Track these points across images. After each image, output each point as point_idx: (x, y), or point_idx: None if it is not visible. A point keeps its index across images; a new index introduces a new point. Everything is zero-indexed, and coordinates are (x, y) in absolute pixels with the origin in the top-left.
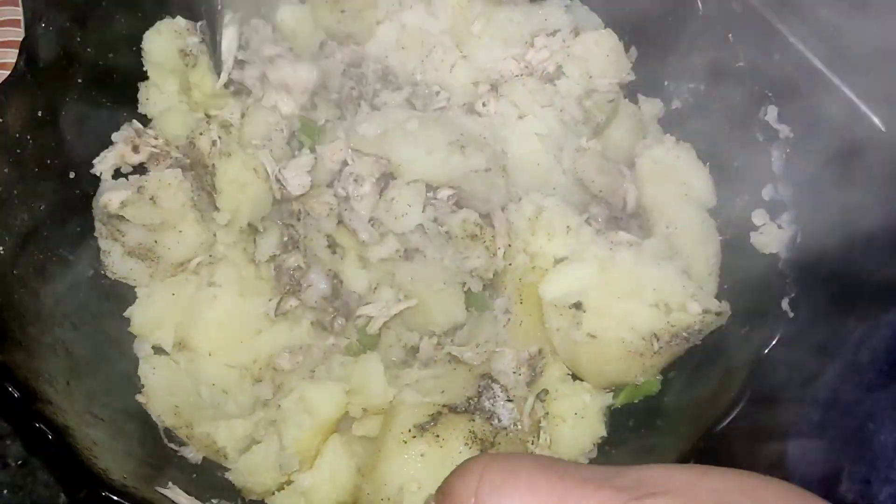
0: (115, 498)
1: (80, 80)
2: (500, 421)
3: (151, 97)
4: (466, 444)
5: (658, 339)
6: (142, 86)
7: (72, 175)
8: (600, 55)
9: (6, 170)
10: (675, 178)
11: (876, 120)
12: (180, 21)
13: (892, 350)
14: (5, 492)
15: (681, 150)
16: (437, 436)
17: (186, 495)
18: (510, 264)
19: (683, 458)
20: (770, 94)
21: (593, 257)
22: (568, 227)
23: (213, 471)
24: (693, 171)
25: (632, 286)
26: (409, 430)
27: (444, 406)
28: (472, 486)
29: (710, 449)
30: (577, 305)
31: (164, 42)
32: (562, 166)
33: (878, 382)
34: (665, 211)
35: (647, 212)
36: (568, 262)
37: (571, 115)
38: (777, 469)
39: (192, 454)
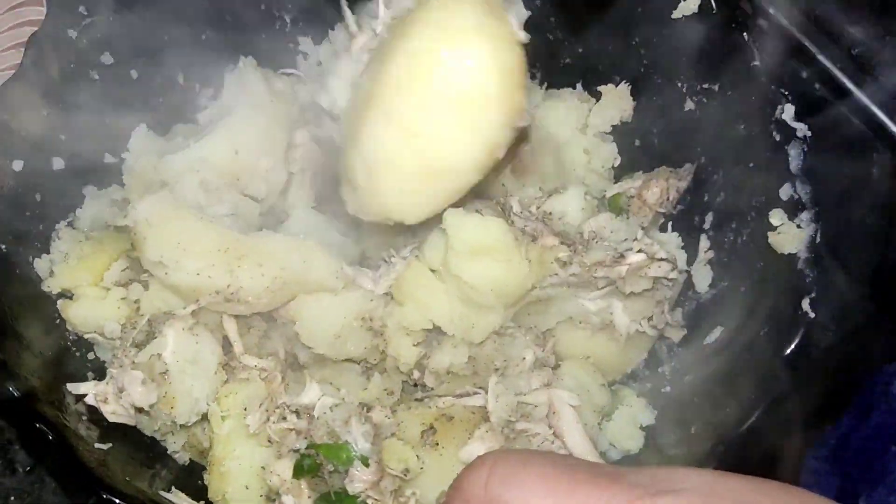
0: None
1: None
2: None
3: None
4: None
5: None
6: None
7: None
8: None
9: None
10: None
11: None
12: None
13: None
14: (12, 498)
15: None
16: (437, 443)
17: (189, 499)
18: None
19: (702, 462)
20: (786, 93)
21: None
22: None
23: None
24: None
25: None
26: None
27: (442, 415)
28: (482, 479)
29: (729, 453)
30: None
31: None
32: None
33: None
34: None
35: None
36: None
37: None
38: None
39: (179, 455)
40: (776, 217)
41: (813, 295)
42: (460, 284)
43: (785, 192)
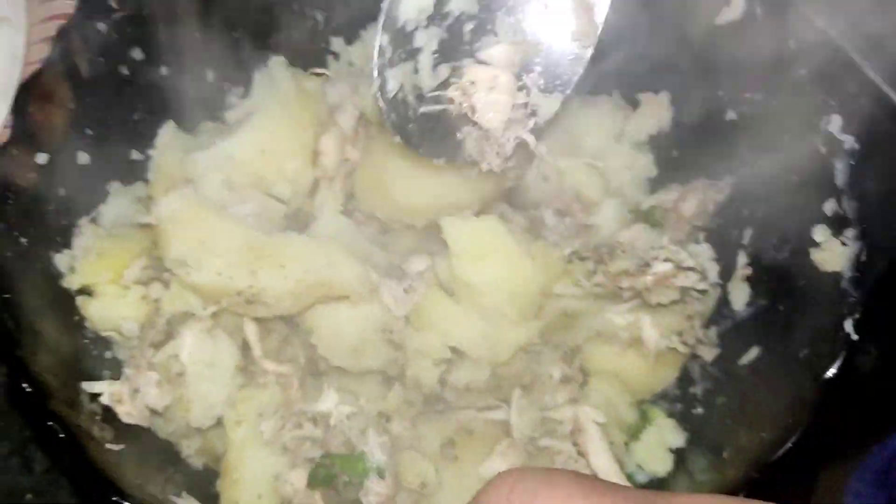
0: None
1: None
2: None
3: None
4: None
5: None
6: None
7: None
8: None
9: None
10: None
11: None
12: None
13: None
14: (29, 496)
15: None
16: (456, 458)
17: None
18: None
19: (734, 489)
20: (833, 103)
21: None
22: None
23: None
24: None
25: None
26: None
27: (462, 428)
28: (503, 496)
29: (764, 481)
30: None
31: None
32: None
33: None
34: None
35: None
36: None
37: None
38: None
39: (193, 459)
40: (819, 233)
41: (857, 316)
42: (471, 293)
43: (829, 207)
